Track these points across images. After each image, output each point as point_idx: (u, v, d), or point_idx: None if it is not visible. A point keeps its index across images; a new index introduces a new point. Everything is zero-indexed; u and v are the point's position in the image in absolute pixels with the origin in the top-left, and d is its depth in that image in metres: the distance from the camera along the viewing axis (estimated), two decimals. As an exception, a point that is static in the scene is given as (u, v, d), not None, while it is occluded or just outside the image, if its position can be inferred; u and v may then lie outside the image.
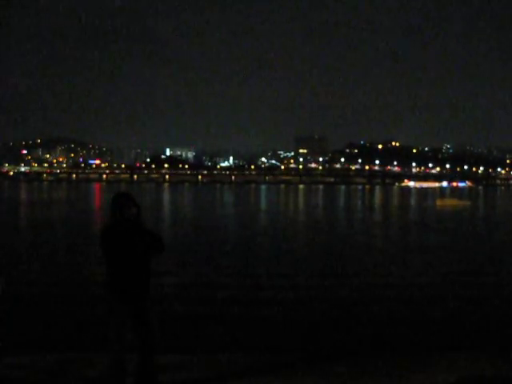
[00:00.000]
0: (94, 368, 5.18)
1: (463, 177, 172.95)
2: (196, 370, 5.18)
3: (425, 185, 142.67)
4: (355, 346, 8.39)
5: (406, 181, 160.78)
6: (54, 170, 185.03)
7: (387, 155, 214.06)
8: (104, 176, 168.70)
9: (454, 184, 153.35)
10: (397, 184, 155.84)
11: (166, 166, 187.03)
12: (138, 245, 4.21)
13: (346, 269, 15.54)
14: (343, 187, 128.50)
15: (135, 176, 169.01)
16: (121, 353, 4.19)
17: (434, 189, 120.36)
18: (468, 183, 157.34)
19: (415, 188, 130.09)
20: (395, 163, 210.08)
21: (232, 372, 5.12)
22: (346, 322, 9.89)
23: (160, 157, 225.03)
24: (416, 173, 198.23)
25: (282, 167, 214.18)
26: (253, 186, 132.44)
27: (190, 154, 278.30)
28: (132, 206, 4.22)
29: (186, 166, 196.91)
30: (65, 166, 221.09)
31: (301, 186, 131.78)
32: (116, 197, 4.31)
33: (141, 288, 4.27)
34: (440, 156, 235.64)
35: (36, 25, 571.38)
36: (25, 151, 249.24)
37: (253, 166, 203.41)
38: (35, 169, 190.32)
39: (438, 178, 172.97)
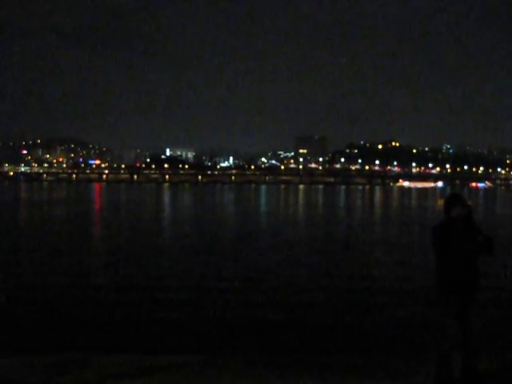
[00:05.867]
0: (92, 368, 5.20)
1: (480, 177, 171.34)
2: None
3: (419, 185, 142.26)
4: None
5: (400, 181, 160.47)
6: (54, 170, 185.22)
7: (387, 155, 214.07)
8: (104, 176, 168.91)
9: (474, 184, 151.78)
10: (391, 184, 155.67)
11: (166, 166, 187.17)
12: (466, 242, 4.53)
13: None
14: (343, 187, 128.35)
15: (135, 176, 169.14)
16: (451, 346, 4.50)
17: (430, 189, 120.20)
18: (487, 184, 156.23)
19: (410, 188, 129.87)
20: (395, 163, 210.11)
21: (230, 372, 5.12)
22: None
23: (160, 157, 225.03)
24: (416, 173, 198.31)
25: (282, 167, 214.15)
26: (253, 186, 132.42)
27: (190, 154, 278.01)
28: (460, 205, 4.57)
29: (186, 166, 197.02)
30: (65, 165, 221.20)
31: (301, 186, 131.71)
32: (447, 197, 4.77)
33: (467, 283, 4.58)
34: (440, 156, 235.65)
35: (36, 24, 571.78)
36: (25, 151, 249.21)
37: (253, 166, 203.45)
38: (35, 169, 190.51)
39: (437, 178, 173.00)
